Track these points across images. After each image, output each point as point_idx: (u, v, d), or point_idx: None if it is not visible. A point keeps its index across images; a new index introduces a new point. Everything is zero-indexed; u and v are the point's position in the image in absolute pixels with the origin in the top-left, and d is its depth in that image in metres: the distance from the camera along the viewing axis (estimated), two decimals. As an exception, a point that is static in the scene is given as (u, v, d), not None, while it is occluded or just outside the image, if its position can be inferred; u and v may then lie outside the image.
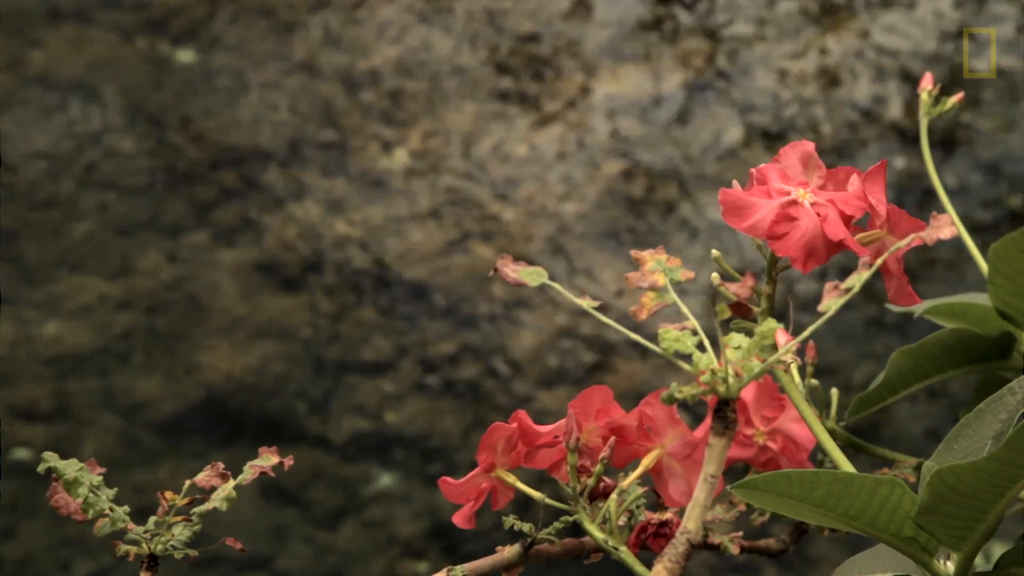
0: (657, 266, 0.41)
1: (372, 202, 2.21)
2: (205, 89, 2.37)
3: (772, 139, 2.30)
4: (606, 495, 0.57)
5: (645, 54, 2.45)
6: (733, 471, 0.63)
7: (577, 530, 0.58)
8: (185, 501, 0.56)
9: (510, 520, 0.58)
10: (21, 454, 1.86)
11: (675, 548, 0.33)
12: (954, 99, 0.67)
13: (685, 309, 0.38)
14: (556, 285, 0.38)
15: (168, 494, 0.57)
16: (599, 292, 2.08)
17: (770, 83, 2.40)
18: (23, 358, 1.98)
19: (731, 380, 0.34)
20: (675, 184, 2.25)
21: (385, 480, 1.87)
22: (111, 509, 0.55)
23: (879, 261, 0.34)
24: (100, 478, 0.56)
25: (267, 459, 0.58)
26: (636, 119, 2.35)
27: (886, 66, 2.43)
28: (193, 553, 0.56)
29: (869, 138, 2.31)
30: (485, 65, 2.44)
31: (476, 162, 2.27)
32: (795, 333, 0.44)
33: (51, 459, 0.56)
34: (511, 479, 0.58)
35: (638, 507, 0.58)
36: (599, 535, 0.55)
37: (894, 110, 2.36)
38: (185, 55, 2.44)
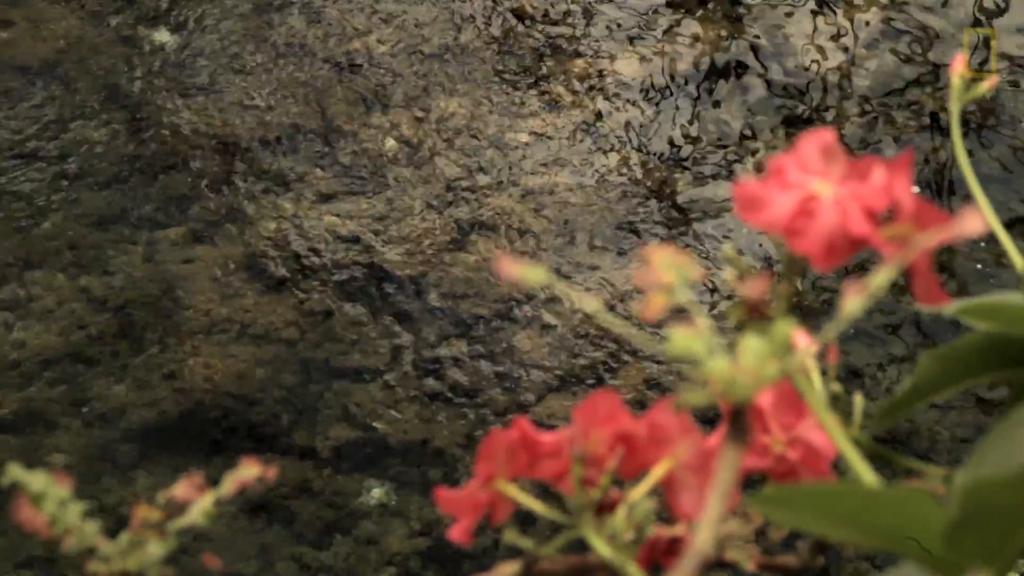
0: (667, 263, 0.41)
1: (363, 194, 2.21)
2: (183, 73, 2.38)
3: (793, 126, 2.30)
4: (613, 508, 0.57)
5: (659, 35, 2.45)
6: (750, 482, 0.63)
7: (582, 546, 0.58)
8: (161, 516, 0.57)
9: (510, 535, 0.58)
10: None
11: (685, 565, 0.33)
12: (987, 83, 0.67)
13: (697, 309, 0.38)
14: (561, 284, 0.38)
15: (142, 508, 0.57)
16: (607, 290, 2.08)
17: (791, 67, 2.40)
18: (-13, 362, 1.99)
19: (745, 385, 0.34)
20: (689, 174, 2.25)
21: (377, 493, 1.87)
22: (80, 525, 0.55)
23: (904, 258, 0.35)
24: (68, 491, 0.56)
25: (249, 471, 0.58)
26: (649, 104, 2.36)
27: (917, 49, 2.43)
28: (169, 572, 0.56)
29: (898, 124, 2.31)
30: (485, 46, 2.44)
31: (475, 151, 2.28)
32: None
33: (15, 471, 0.56)
34: (512, 491, 0.58)
35: (648, 522, 0.58)
36: (606, 551, 0.55)
37: (926, 96, 2.36)
38: (161, 36, 2.44)
